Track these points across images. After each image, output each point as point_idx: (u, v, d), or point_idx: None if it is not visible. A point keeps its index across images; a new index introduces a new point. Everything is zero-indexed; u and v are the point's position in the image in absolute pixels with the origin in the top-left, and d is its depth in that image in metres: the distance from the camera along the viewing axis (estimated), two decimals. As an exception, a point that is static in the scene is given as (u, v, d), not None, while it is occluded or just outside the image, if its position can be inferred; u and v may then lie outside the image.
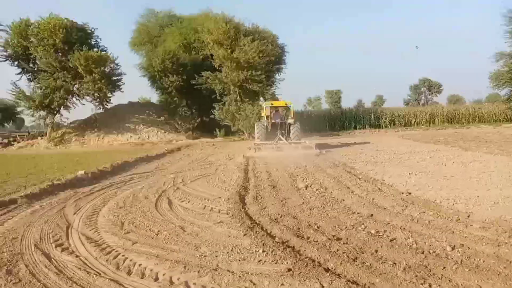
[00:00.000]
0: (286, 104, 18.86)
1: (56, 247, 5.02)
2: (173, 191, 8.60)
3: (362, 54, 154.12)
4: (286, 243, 4.75)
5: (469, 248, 4.35)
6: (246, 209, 6.65)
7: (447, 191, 7.21)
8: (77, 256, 4.67)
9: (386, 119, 37.96)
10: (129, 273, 4.07)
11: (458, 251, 4.28)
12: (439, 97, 77.28)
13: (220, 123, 29.48)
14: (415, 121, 38.07)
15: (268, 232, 5.27)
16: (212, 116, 29.43)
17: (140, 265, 4.27)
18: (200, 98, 31.13)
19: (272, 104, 19.16)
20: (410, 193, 7.16)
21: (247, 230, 5.28)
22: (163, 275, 3.96)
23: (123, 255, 4.61)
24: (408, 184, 8.13)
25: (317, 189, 8.02)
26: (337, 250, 4.45)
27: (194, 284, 3.70)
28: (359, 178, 9.02)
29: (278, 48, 31.07)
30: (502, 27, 32.42)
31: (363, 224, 5.45)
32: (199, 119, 31.05)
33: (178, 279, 3.83)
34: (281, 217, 6.00)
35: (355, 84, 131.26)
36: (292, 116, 18.10)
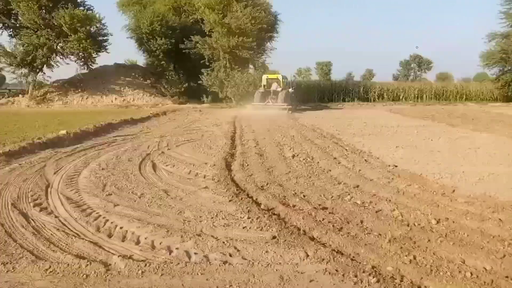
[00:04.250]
0: (277, 77, 25.05)
1: (34, 206, 4.87)
2: (157, 154, 8.43)
3: (354, 28, 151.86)
4: (272, 211, 4.69)
5: (453, 222, 4.35)
6: (232, 175, 6.56)
7: (433, 166, 7.22)
8: (56, 217, 4.54)
9: (375, 93, 37.92)
10: (109, 235, 3.96)
11: (443, 224, 4.28)
12: (428, 74, 77.28)
13: (208, 89, 28.96)
14: (403, 96, 38.12)
15: (254, 199, 5.20)
16: (200, 81, 28.78)
17: (121, 228, 4.16)
18: (189, 63, 30.33)
19: (268, 76, 25.41)
20: (396, 166, 7.14)
21: (232, 196, 5.20)
22: (145, 238, 3.86)
23: (104, 217, 4.49)
24: (395, 157, 8.11)
25: (304, 159, 7.95)
26: (323, 219, 4.40)
27: (177, 248, 3.61)
28: (346, 150, 8.97)
29: (271, 16, 30.29)
30: (497, 7, 32.50)
31: (349, 194, 5.42)
32: (187, 84, 30.36)
33: (160, 243, 3.73)
34: (267, 184, 5.92)
35: (345, 57, 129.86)
36: (280, 85, 23.98)
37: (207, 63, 28.31)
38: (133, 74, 33.34)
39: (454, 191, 5.53)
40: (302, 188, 5.78)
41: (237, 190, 5.56)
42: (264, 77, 25.24)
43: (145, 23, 28.65)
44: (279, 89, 23.54)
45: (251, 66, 30.81)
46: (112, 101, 29.46)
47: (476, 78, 57.40)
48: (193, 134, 11.97)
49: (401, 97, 37.99)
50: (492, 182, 6.06)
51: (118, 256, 3.41)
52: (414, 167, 7.08)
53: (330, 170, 6.95)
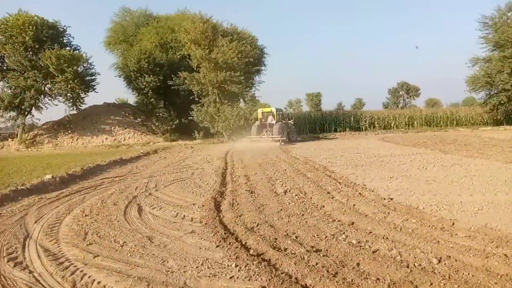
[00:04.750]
0: (271, 110, 25.57)
1: (8, 261, 4.53)
2: (144, 197, 8.12)
3: (342, 57, 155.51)
4: (262, 256, 4.38)
5: (456, 260, 4.08)
6: (221, 216, 6.26)
7: (429, 196, 7.00)
8: (30, 272, 4.20)
9: (366, 121, 38.09)
10: (84, 293, 3.63)
11: (445, 263, 4.00)
12: (417, 101, 78.49)
13: (199, 125, 28.90)
14: (394, 123, 38.33)
15: (243, 243, 4.89)
16: (190, 117, 28.76)
17: (99, 282, 3.83)
18: (178, 99, 30.48)
19: (263, 110, 26.06)
20: (392, 199, 6.90)
21: (220, 241, 4.89)
22: (123, 295, 3.53)
23: (81, 271, 4.16)
24: (389, 188, 7.88)
25: (296, 195, 7.69)
26: (316, 263, 4.10)
27: (157, 306, 3.29)
28: (339, 183, 8.74)
29: (257, 49, 30.74)
30: (477, 32, 33.54)
31: (344, 233, 5.14)
32: (177, 120, 30.30)
33: (139, 300, 3.41)
34: (257, 225, 5.63)
35: (335, 87, 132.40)
36: (275, 118, 24.58)
37: (197, 99, 28.39)
38: (123, 112, 33.30)
39: (453, 224, 5.28)
40: (295, 228, 5.49)
41: (225, 233, 5.25)
42: (259, 111, 26.11)
43: (132, 61, 28.89)
44: (273, 122, 24.25)
45: (241, 100, 30.97)
46: (102, 141, 29.23)
47: (464, 103, 58.32)
48: (183, 172, 11.68)
49: (392, 125, 38.19)
50: (492, 212, 5.83)
51: (91, 319, 3.08)
52: (410, 199, 6.85)
53: (323, 206, 6.69)
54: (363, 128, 37.50)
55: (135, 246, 4.90)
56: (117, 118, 32.17)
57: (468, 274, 3.71)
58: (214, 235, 5.19)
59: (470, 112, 39.25)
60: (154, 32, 32.97)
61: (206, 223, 5.81)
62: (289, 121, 26.77)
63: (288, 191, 8.06)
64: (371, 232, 5.13)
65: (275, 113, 25.00)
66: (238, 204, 7.10)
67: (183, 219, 6.24)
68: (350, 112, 42.33)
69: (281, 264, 4.11)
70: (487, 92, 34.16)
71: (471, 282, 3.54)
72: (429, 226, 5.26)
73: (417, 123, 38.57)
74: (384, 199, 6.91)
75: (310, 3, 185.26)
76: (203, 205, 7.00)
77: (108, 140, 29.42)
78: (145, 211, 6.90)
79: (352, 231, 5.23)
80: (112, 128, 30.77)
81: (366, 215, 5.96)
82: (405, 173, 9.68)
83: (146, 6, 41.92)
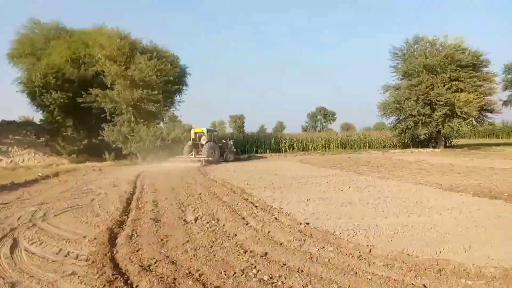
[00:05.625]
0: (202, 130, 26.08)
1: None
2: (26, 228, 6.77)
3: (265, 82, 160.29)
4: (153, 304, 3.56)
5: (376, 295, 3.64)
6: (114, 252, 5.27)
7: (345, 220, 6.73)
8: None
9: (285, 144, 38.81)
10: None
11: (364, 301, 3.53)
12: (333, 125, 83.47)
13: (112, 145, 26.76)
14: (312, 146, 39.58)
15: (133, 286, 4.01)
16: (101, 137, 26.51)
17: None
18: (89, 117, 28.09)
19: (195, 130, 26.47)
20: (308, 223, 6.51)
21: (104, 286, 3.95)
22: None
23: None
24: (306, 212, 7.52)
25: (207, 222, 6.95)
26: (219, 311, 3.38)
27: None
28: (255, 206, 8.18)
29: (178, 68, 29.71)
30: (388, 62, 36.58)
31: (255, 267, 4.50)
32: (86, 140, 27.83)
33: None
34: (155, 262, 4.76)
35: (258, 110, 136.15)
36: (205, 138, 25.18)
37: (109, 117, 26.38)
38: (24, 131, 29.84)
39: (370, 251, 4.95)
40: (200, 263, 4.73)
41: (113, 274, 4.31)
42: (192, 131, 26.55)
43: (38, 75, 26.10)
44: (203, 142, 24.92)
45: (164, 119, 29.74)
46: (-4, 163, 25.70)
47: (376, 127, 62.84)
48: (83, 198, 10.26)
49: (310, 147, 39.36)
50: (407, 236, 5.67)
51: None
52: (327, 223, 6.51)
53: (236, 235, 6.04)
54: (283, 150, 38.07)
55: (-13, 299, 3.77)
56: (16, 137, 28.62)
57: (390, 314, 3.26)
58: (98, 277, 4.23)
59: (381, 136, 42.10)
60: (65, 46, 30.19)
61: (93, 261, 4.80)
62: (229, 142, 27.70)
63: (199, 218, 7.29)
64: (285, 265, 4.57)
65: (205, 133, 25.56)
66: (138, 236, 6.14)
67: (66, 256, 5.14)
68: (271, 134, 43.03)
69: (175, 316, 3.32)
70: (397, 117, 36.82)
71: (393, 325, 3.08)
72: (346, 254, 4.85)
73: (333, 145, 40.27)
74: (301, 224, 6.48)
75: (234, 32, 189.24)
76: (95, 238, 5.93)
77: (3, 161, 25.91)
78: (21, 247, 5.64)
79: (264, 264, 4.62)
80: (10, 148, 27.18)
81: (280, 244, 5.42)
82: (322, 195, 9.46)
83: (58, 18, 38.40)
